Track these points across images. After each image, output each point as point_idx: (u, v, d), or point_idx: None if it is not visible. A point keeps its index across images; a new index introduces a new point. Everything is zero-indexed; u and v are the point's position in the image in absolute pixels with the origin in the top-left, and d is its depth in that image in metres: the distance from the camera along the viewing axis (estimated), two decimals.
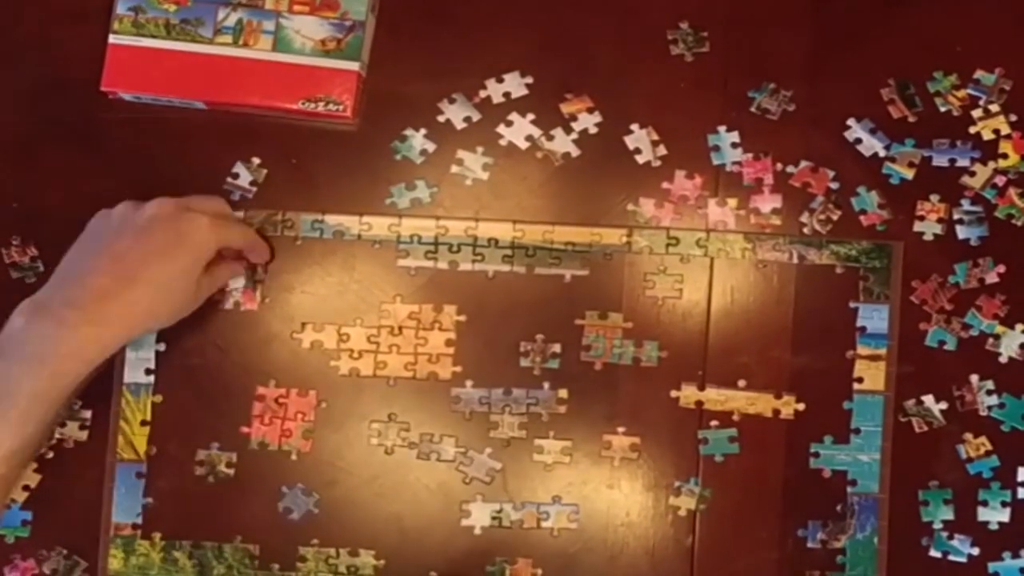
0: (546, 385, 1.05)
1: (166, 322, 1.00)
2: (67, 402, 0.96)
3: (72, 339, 0.93)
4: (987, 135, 1.06)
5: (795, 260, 1.06)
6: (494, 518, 1.04)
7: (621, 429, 1.05)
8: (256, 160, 1.07)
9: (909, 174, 1.06)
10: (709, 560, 1.04)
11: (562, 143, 1.07)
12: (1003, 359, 1.04)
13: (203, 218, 0.97)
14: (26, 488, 1.04)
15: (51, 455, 1.04)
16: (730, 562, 1.04)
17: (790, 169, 1.06)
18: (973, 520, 1.03)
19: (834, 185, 1.06)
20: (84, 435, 1.05)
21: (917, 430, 1.04)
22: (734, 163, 1.06)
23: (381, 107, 1.07)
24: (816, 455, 1.04)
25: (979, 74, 1.07)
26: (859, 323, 1.05)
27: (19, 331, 0.93)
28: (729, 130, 1.06)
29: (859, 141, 1.06)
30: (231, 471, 1.04)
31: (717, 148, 1.06)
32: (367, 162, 1.07)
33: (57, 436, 1.04)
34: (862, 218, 1.06)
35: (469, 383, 1.05)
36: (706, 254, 1.06)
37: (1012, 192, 1.05)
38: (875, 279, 1.05)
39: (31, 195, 1.07)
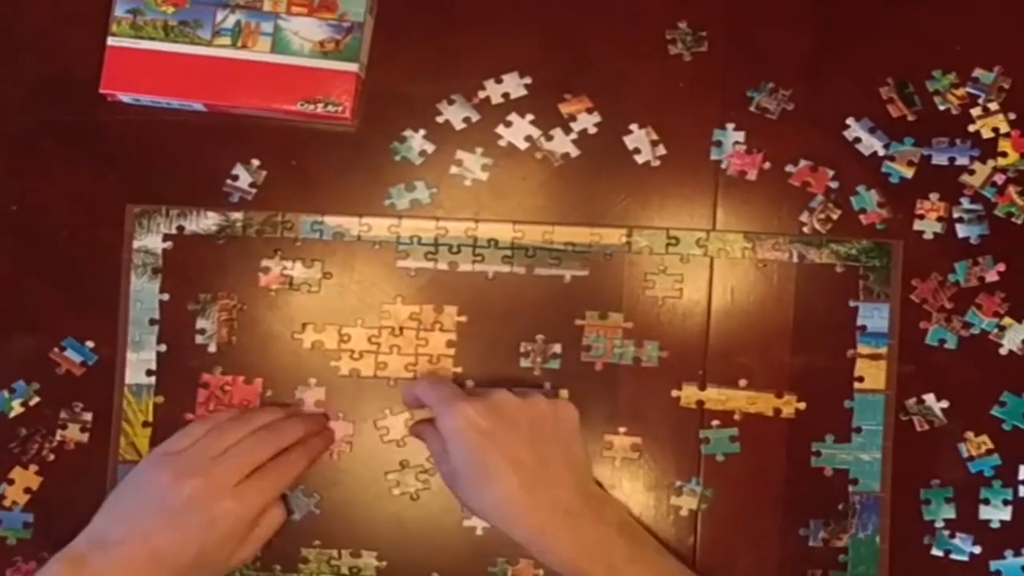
0: (547, 385, 1.05)
1: None
2: None
3: None
4: (986, 133, 1.06)
5: (795, 259, 1.06)
6: None
7: (622, 429, 1.05)
8: (255, 162, 1.07)
9: (909, 173, 1.06)
10: (711, 560, 1.04)
11: (561, 143, 1.07)
12: (1003, 351, 1.04)
13: (231, 503, 0.95)
14: (27, 490, 1.04)
15: (52, 457, 1.04)
16: (732, 561, 1.04)
17: (789, 168, 1.06)
18: (975, 518, 1.03)
19: (834, 184, 1.06)
20: (85, 437, 1.04)
21: (918, 429, 1.04)
22: (731, 160, 1.06)
23: (380, 108, 1.07)
24: (817, 454, 1.04)
25: (978, 72, 1.07)
26: (859, 322, 1.05)
27: None
28: (737, 128, 1.06)
29: (858, 140, 1.06)
30: None
31: (719, 143, 1.06)
32: (366, 163, 1.07)
33: (58, 438, 1.04)
34: (862, 217, 1.06)
35: (470, 384, 1.05)
36: (706, 254, 1.06)
37: (1012, 190, 1.06)
38: (875, 278, 1.05)
39: (30, 197, 1.07)
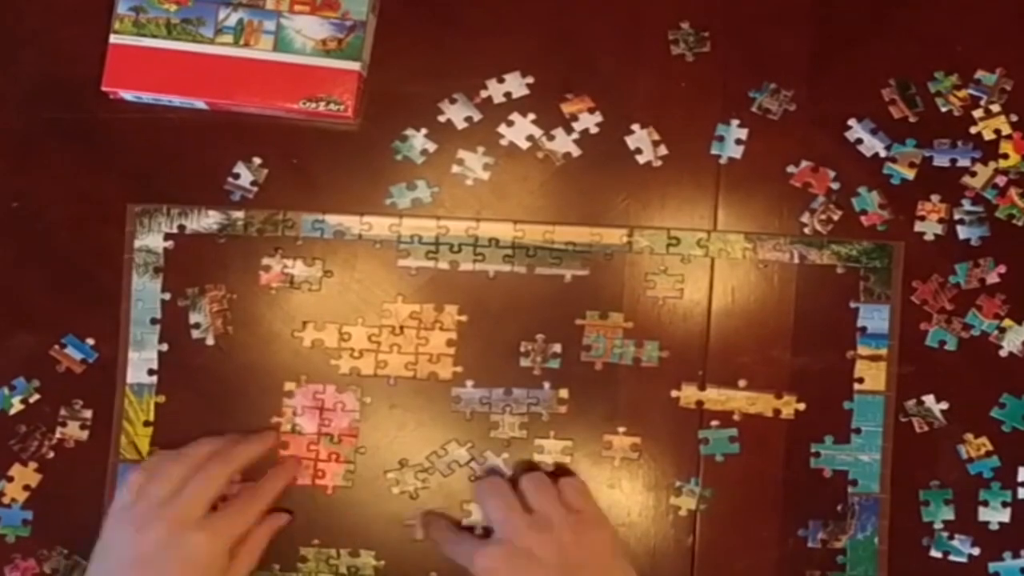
0: (547, 385, 1.05)
1: None
2: None
3: None
4: (988, 135, 1.06)
5: (796, 260, 1.06)
6: None
7: (622, 429, 1.05)
8: (257, 160, 1.07)
9: (910, 174, 1.06)
10: (710, 560, 1.04)
11: (563, 143, 1.07)
12: (1003, 353, 1.04)
13: (200, 536, 0.96)
14: (27, 488, 1.04)
15: (52, 455, 1.04)
16: (731, 562, 1.04)
17: (791, 169, 1.06)
18: (974, 520, 1.03)
19: (835, 185, 1.06)
20: (85, 435, 1.05)
21: (918, 430, 1.04)
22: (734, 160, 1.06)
23: (382, 107, 1.07)
24: (817, 455, 1.04)
25: (980, 74, 1.07)
26: (860, 323, 1.05)
27: None
28: (741, 125, 1.06)
29: (860, 141, 1.06)
30: None
31: (721, 139, 1.06)
32: (368, 162, 1.07)
33: (58, 436, 1.04)
34: (863, 218, 1.06)
35: (470, 383, 1.05)
36: (707, 254, 1.06)
37: (1013, 192, 1.06)
38: (876, 279, 1.05)
39: (32, 195, 1.07)
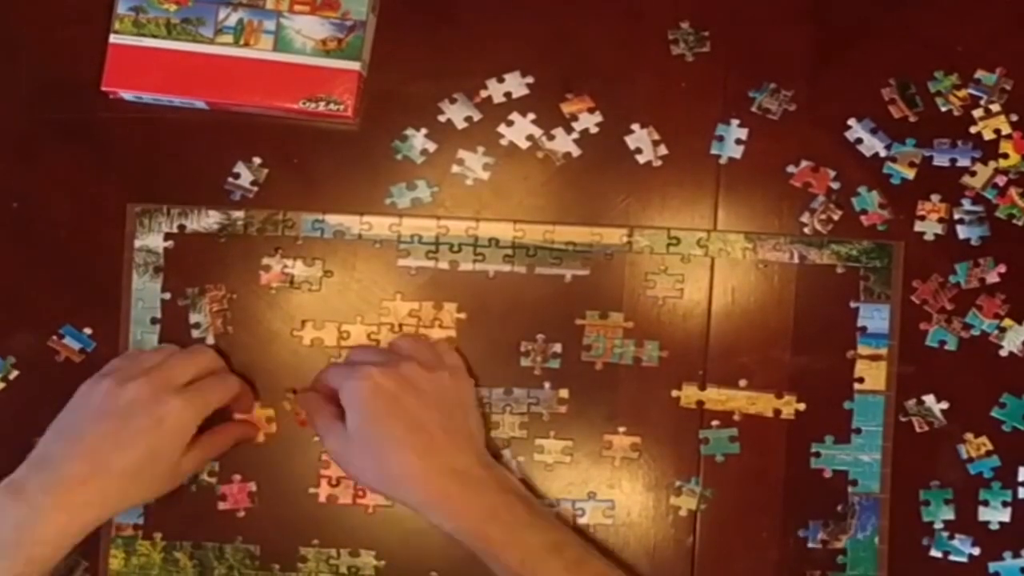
0: (547, 385, 1.05)
1: (143, 502, 1.02)
2: None
3: (46, 525, 0.93)
4: (988, 135, 1.06)
5: (796, 260, 1.06)
6: None
7: (622, 429, 1.05)
8: (257, 160, 1.07)
9: (910, 174, 1.06)
10: (710, 560, 1.04)
11: (563, 143, 1.07)
12: (1003, 353, 1.04)
13: (178, 400, 0.96)
14: None
15: None
16: (731, 562, 1.04)
17: (791, 169, 1.06)
18: (974, 520, 1.03)
19: (835, 185, 1.06)
20: None
21: (918, 430, 1.04)
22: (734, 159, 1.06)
23: (382, 107, 1.07)
24: (817, 455, 1.04)
25: (980, 74, 1.07)
26: (860, 323, 1.05)
27: None
28: (741, 125, 1.06)
29: (860, 141, 1.06)
30: (213, 479, 1.05)
31: (721, 139, 1.06)
32: (368, 162, 1.07)
33: None
34: (863, 218, 1.06)
35: None
36: (707, 254, 1.06)
37: (1013, 192, 1.05)
38: (876, 279, 1.05)
39: (32, 195, 1.07)
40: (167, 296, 1.06)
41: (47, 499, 0.93)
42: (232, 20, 1.06)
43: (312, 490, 1.04)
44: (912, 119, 1.06)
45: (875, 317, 1.05)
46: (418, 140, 1.07)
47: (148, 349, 1.04)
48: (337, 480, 1.04)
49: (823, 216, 1.06)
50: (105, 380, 0.97)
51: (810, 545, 1.04)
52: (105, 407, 0.96)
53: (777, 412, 1.05)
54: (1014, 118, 1.06)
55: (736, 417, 1.05)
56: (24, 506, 0.92)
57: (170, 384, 0.97)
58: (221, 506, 1.04)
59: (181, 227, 1.06)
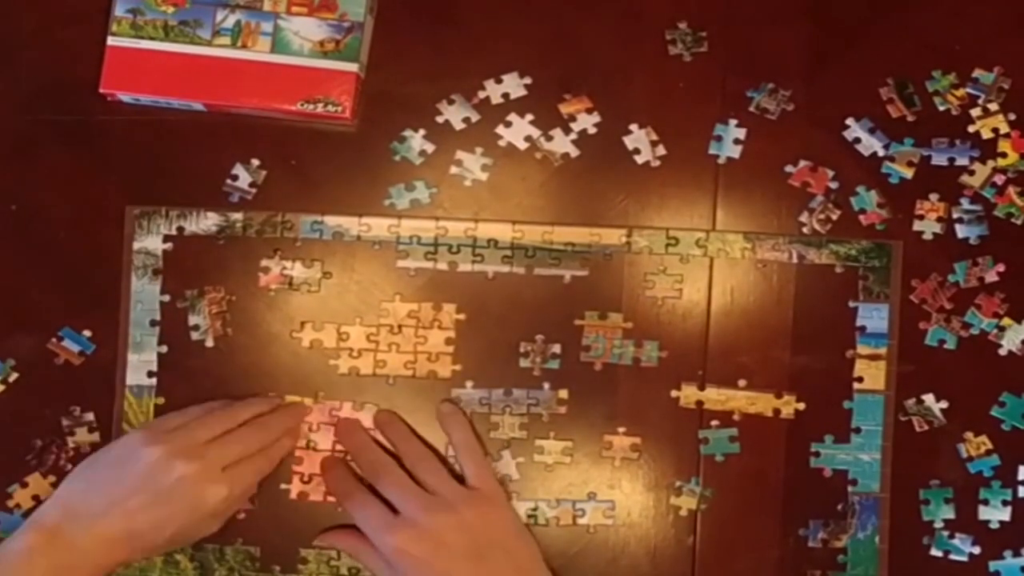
0: (546, 385, 1.05)
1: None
2: None
3: (82, 571, 0.93)
4: (986, 134, 1.06)
5: (795, 260, 1.06)
6: None
7: (622, 429, 1.05)
8: (255, 162, 1.07)
9: (908, 173, 1.06)
10: (710, 560, 1.04)
11: (561, 143, 1.07)
12: (1003, 352, 1.04)
13: (222, 487, 0.96)
14: (35, 498, 1.03)
15: (69, 467, 1.03)
16: (731, 562, 1.04)
17: (789, 169, 1.06)
18: (974, 519, 1.03)
19: (833, 185, 1.06)
20: (96, 437, 1.05)
21: (918, 429, 1.04)
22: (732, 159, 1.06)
23: (380, 108, 1.07)
24: (817, 454, 1.04)
25: (978, 73, 1.07)
26: (859, 322, 1.05)
27: (24, 556, 0.92)
28: (739, 125, 1.06)
29: (858, 140, 1.06)
30: None
31: (720, 139, 1.06)
32: (366, 163, 1.07)
33: (72, 444, 1.04)
34: (861, 217, 1.06)
35: (469, 384, 1.05)
36: (706, 254, 1.06)
37: (1011, 191, 1.06)
38: (875, 278, 1.05)
39: (30, 197, 1.07)
40: (166, 298, 1.05)
41: (83, 550, 0.93)
42: (230, 22, 1.06)
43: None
44: (910, 118, 1.06)
45: (874, 316, 1.05)
46: (416, 141, 1.07)
47: (204, 412, 1.01)
48: None
49: (822, 216, 1.06)
50: (156, 449, 0.95)
51: (810, 544, 1.04)
52: (150, 479, 0.95)
53: (777, 412, 1.05)
54: (1012, 117, 1.06)
55: (736, 417, 1.05)
56: (63, 552, 0.92)
57: (218, 468, 0.97)
58: None
59: (180, 229, 1.06)
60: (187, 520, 0.96)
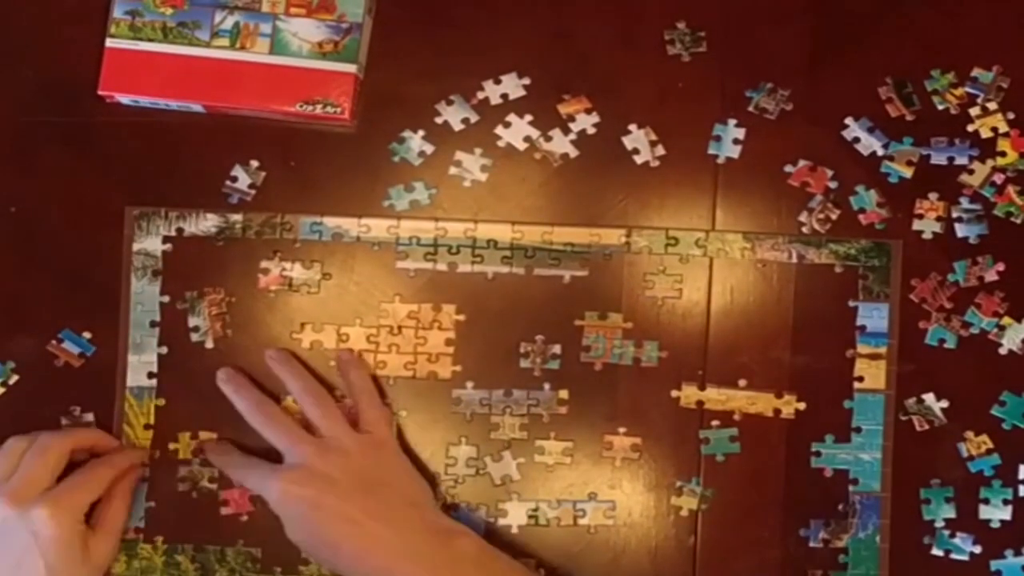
0: (546, 386, 1.05)
1: None
2: None
3: None
4: (985, 133, 1.06)
5: (794, 259, 1.06)
6: (490, 517, 1.04)
7: (622, 429, 1.05)
8: (254, 163, 1.07)
9: (908, 172, 1.06)
10: (711, 560, 1.04)
11: (560, 144, 1.07)
12: (1003, 351, 1.04)
13: (42, 510, 0.94)
14: None
15: None
16: (732, 562, 1.04)
17: (788, 168, 1.06)
18: (975, 518, 1.03)
19: (833, 184, 1.06)
20: None
21: (918, 428, 1.04)
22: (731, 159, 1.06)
23: (379, 109, 1.07)
24: (817, 454, 1.04)
25: (977, 72, 1.07)
26: (859, 322, 1.05)
27: None
28: (739, 125, 1.06)
29: (857, 140, 1.06)
30: (214, 485, 1.04)
31: (719, 139, 1.06)
32: (365, 164, 1.07)
33: None
34: (861, 217, 1.06)
35: (470, 385, 1.05)
36: (705, 254, 1.06)
37: (1011, 190, 1.06)
38: (874, 278, 1.05)
39: (28, 199, 1.06)
40: (166, 299, 1.05)
41: None
42: (228, 23, 1.06)
43: None
44: (909, 118, 1.06)
45: (874, 316, 1.05)
46: (415, 142, 1.07)
47: (13, 440, 1.00)
48: None
49: (821, 215, 1.06)
50: None
51: (811, 544, 1.04)
52: None
53: (777, 412, 1.04)
54: (1011, 116, 1.06)
55: (736, 417, 1.04)
56: None
57: (29, 495, 0.95)
58: (223, 511, 1.04)
59: (179, 230, 1.06)
60: (44, 554, 0.93)
